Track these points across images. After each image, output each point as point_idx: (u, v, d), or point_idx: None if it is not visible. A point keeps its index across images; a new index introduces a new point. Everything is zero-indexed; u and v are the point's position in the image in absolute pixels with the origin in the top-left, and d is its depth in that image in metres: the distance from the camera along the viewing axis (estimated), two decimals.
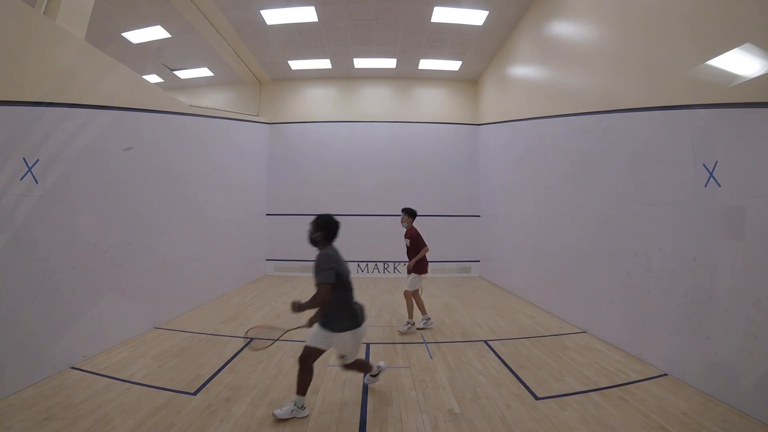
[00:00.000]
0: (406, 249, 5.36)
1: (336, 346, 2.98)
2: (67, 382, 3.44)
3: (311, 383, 2.95)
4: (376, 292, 8.15)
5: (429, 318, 5.35)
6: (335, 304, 2.85)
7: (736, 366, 2.99)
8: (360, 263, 10.23)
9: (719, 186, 3.18)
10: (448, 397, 3.28)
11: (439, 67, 10.08)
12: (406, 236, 5.34)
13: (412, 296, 5.24)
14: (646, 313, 4.01)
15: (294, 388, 2.94)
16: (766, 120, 2.81)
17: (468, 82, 10.90)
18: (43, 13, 3.91)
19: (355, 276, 9.84)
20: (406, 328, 5.12)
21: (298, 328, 2.97)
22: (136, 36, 7.65)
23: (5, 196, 3.22)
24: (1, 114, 3.21)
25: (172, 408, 3.02)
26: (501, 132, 8.97)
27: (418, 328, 5.22)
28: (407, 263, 5.33)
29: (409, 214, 5.38)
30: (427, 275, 5.31)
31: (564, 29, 6.04)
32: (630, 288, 4.25)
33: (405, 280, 5.39)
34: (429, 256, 5.30)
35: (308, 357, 2.90)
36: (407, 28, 8.17)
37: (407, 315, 5.22)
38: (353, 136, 10.70)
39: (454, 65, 9.97)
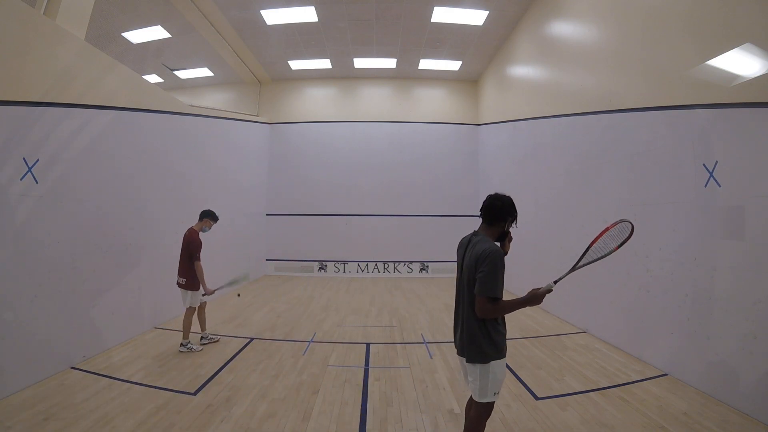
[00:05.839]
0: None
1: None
2: (67, 382, 3.44)
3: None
4: (376, 292, 8.14)
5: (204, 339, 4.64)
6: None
7: (736, 366, 2.99)
8: (360, 263, 10.22)
9: (719, 186, 3.18)
10: (448, 397, 3.28)
11: (439, 67, 10.09)
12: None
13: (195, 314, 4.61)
14: (646, 313, 4.02)
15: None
16: (766, 120, 2.81)
17: (468, 82, 10.90)
18: (43, 13, 3.91)
19: (356, 276, 10.01)
20: (190, 347, 4.36)
21: None
22: (136, 36, 7.66)
23: (5, 196, 3.22)
24: (1, 114, 3.21)
25: (172, 408, 3.02)
26: (501, 132, 8.96)
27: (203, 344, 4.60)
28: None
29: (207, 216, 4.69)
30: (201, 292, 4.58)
31: (564, 29, 6.04)
32: (630, 288, 4.25)
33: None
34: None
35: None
36: (407, 28, 8.17)
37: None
38: (353, 136, 10.70)
39: (454, 65, 9.98)
